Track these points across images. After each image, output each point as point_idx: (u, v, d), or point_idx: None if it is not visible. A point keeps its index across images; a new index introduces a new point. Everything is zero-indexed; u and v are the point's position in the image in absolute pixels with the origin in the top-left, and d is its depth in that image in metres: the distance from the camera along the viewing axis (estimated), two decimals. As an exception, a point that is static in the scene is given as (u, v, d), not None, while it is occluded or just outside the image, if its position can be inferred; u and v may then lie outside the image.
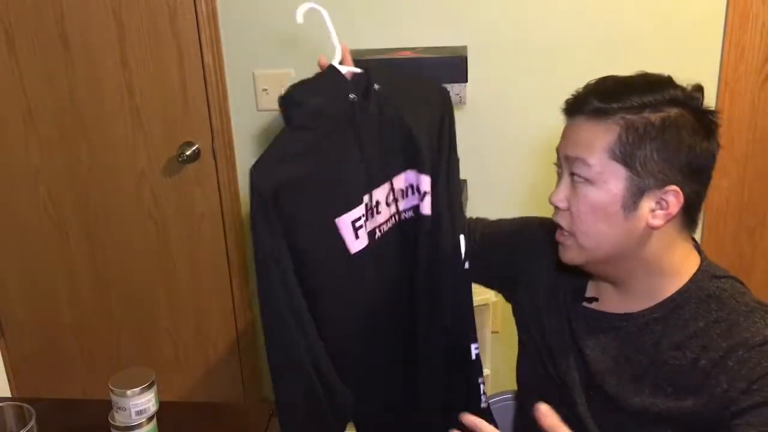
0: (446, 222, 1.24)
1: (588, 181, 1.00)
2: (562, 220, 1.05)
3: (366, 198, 1.16)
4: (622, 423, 1.06)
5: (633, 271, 1.05)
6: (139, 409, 1.08)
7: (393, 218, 1.23)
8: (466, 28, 1.87)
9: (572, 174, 1.02)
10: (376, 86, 1.16)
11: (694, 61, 1.83)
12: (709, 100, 1.03)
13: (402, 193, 1.23)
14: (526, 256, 1.25)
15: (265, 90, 1.97)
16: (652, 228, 1.00)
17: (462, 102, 1.71)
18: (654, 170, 0.97)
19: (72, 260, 2.15)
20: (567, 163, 1.03)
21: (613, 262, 1.05)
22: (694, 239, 1.09)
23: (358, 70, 1.18)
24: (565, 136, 1.05)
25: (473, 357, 1.31)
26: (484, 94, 1.89)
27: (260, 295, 1.12)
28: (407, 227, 1.24)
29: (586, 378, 1.10)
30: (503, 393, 1.46)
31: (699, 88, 1.02)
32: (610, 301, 1.10)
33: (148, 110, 1.99)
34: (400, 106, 1.19)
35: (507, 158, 1.94)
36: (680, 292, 1.04)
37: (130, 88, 1.97)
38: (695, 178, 0.99)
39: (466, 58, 1.69)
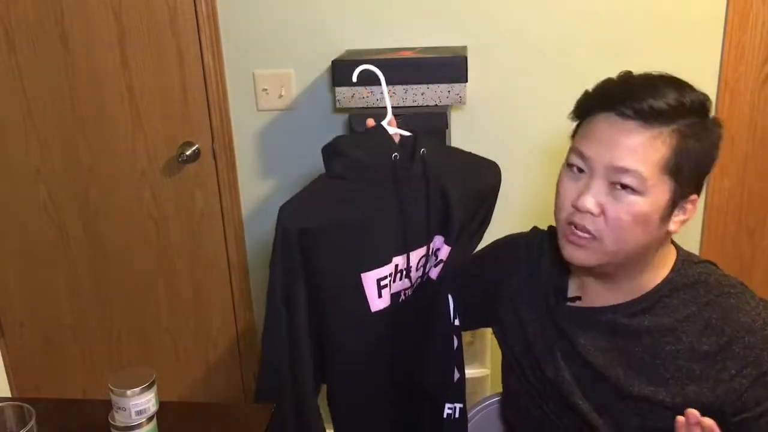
0: (445, 285, 1.27)
1: (635, 191, 0.96)
2: (591, 225, 0.98)
3: (398, 259, 1.17)
4: (624, 414, 1.06)
5: (629, 269, 1.05)
6: (139, 409, 1.08)
7: (416, 282, 1.24)
8: (466, 28, 1.87)
9: (616, 182, 0.96)
10: (422, 150, 1.17)
11: (694, 61, 1.84)
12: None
13: (428, 258, 1.24)
14: (502, 268, 1.24)
15: (265, 90, 1.97)
16: (671, 233, 1.02)
17: (462, 102, 1.71)
18: (690, 181, 0.98)
19: (72, 260, 2.15)
20: (610, 171, 0.96)
21: (620, 262, 1.03)
22: None
23: (407, 134, 1.19)
24: (605, 140, 0.97)
25: (444, 415, 1.31)
26: (484, 94, 1.89)
27: (265, 323, 1.15)
28: (421, 290, 1.26)
29: (580, 375, 1.10)
30: (500, 394, 1.45)
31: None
32: (596, 295, 1.10)
33: (148, 110, 1.99)
34: (445, 174, 1.21)
35: (506, 158, 1.92)
36: (665, 282, 1.05)
37: (130, 88, 1.97)
38: (702, 184, 1.01)
39: (466, 58, 1.69)
